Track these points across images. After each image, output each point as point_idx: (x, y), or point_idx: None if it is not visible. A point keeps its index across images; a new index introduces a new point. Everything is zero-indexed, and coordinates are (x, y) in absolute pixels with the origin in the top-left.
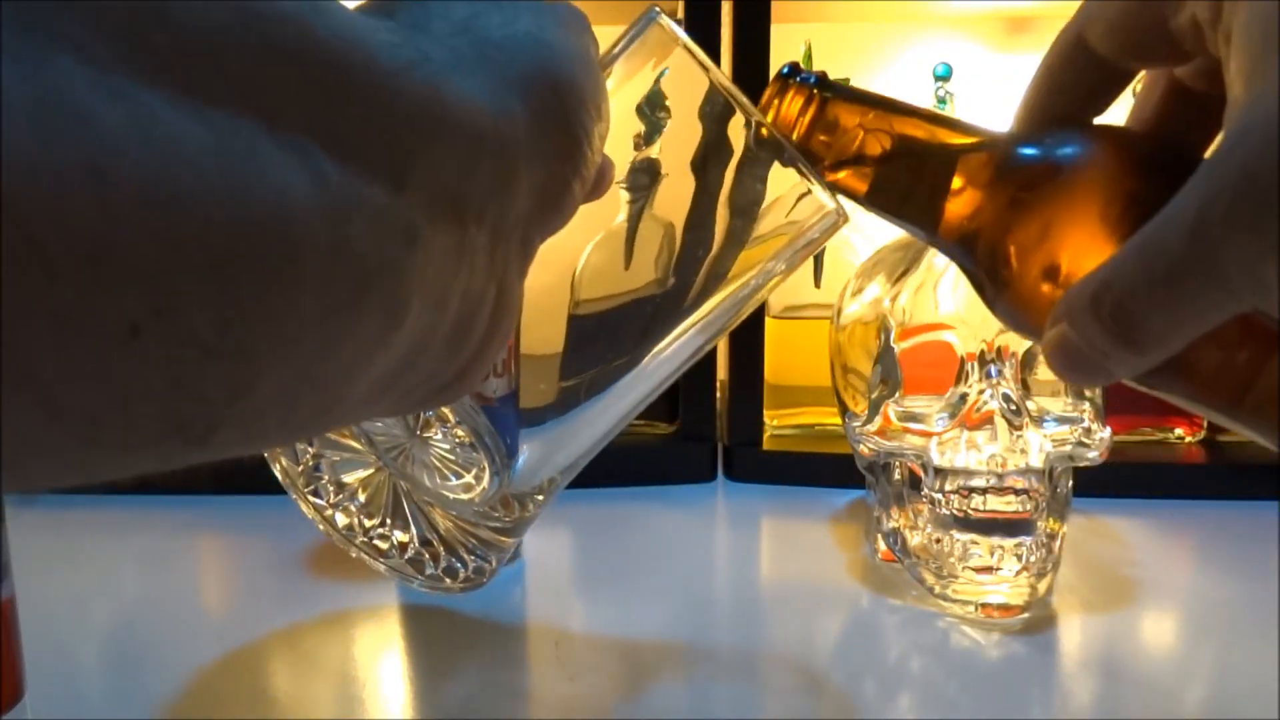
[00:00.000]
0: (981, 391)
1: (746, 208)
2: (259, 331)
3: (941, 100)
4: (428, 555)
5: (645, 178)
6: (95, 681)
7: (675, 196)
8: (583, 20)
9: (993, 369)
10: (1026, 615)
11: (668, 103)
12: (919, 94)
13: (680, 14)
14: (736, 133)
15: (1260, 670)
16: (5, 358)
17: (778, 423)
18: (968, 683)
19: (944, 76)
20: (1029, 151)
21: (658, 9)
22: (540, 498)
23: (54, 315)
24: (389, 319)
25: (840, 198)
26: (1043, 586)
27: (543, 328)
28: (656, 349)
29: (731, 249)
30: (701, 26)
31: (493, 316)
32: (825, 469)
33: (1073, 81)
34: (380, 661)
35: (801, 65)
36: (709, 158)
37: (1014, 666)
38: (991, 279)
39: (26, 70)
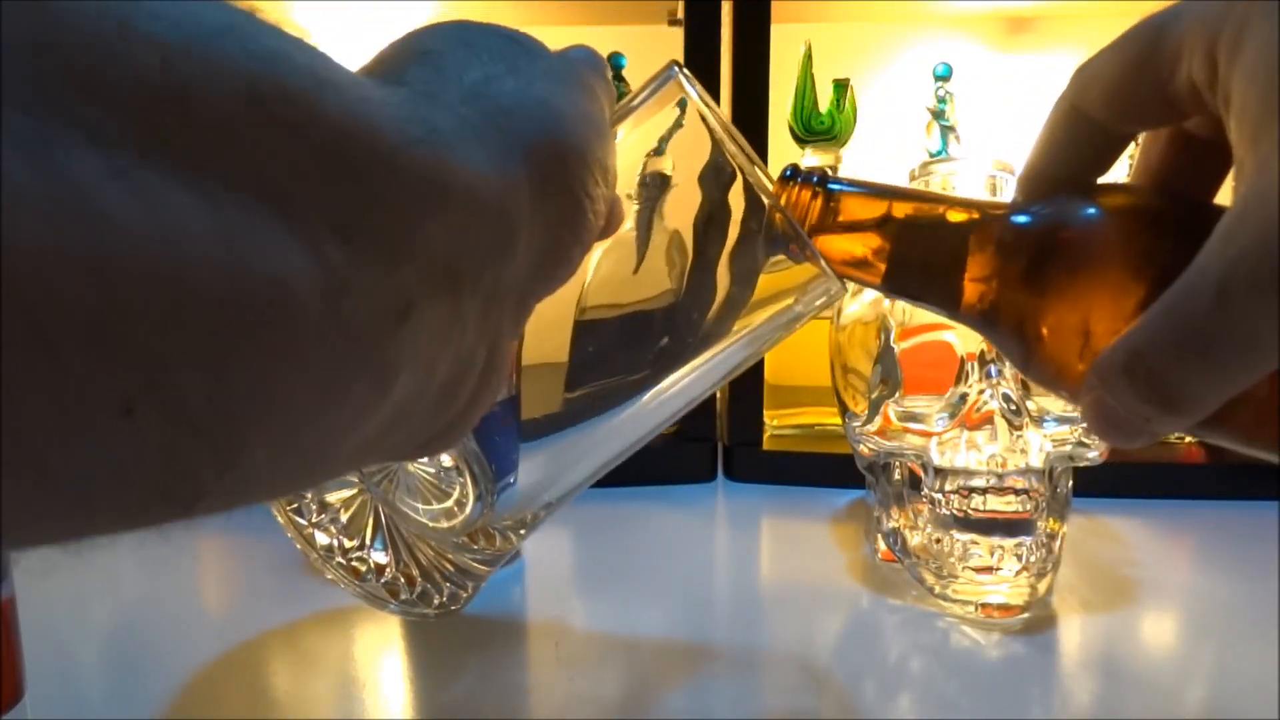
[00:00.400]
0: (981, 391)
1: (747, 275)
2: (249, 405)
3: (941, 100)
4: (403, 580)
5: (654, 189)
6: (95, 681)
7: (684, 204)
8: (598, 68)
9: (993, 369)
10: (1026, 615)
11: (671, 172)
12: (919, 94)
13: (680, 14)
14: (739, 198)
15: (1260, 670)
16: (4, 432)
17: (778, 423)
18: (968, 683)
19: (944, 76)
20: (1038, 221)
21: (677, 66)
22: (522, 531)
23: (53, 392)
24: (377, 389)
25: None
26: (1043, 586)
27: (548, 336)
28: (665, 374)
29: (732, 310)
30: (701, 26)
31: (482, 376)
32: (825, 469)
33: (1073, 147)
34: (380, 661)
35: (800, 167)
36: (711, 221)
37: (1014, 666)
38: (1019, 349)
39: (38, 158)
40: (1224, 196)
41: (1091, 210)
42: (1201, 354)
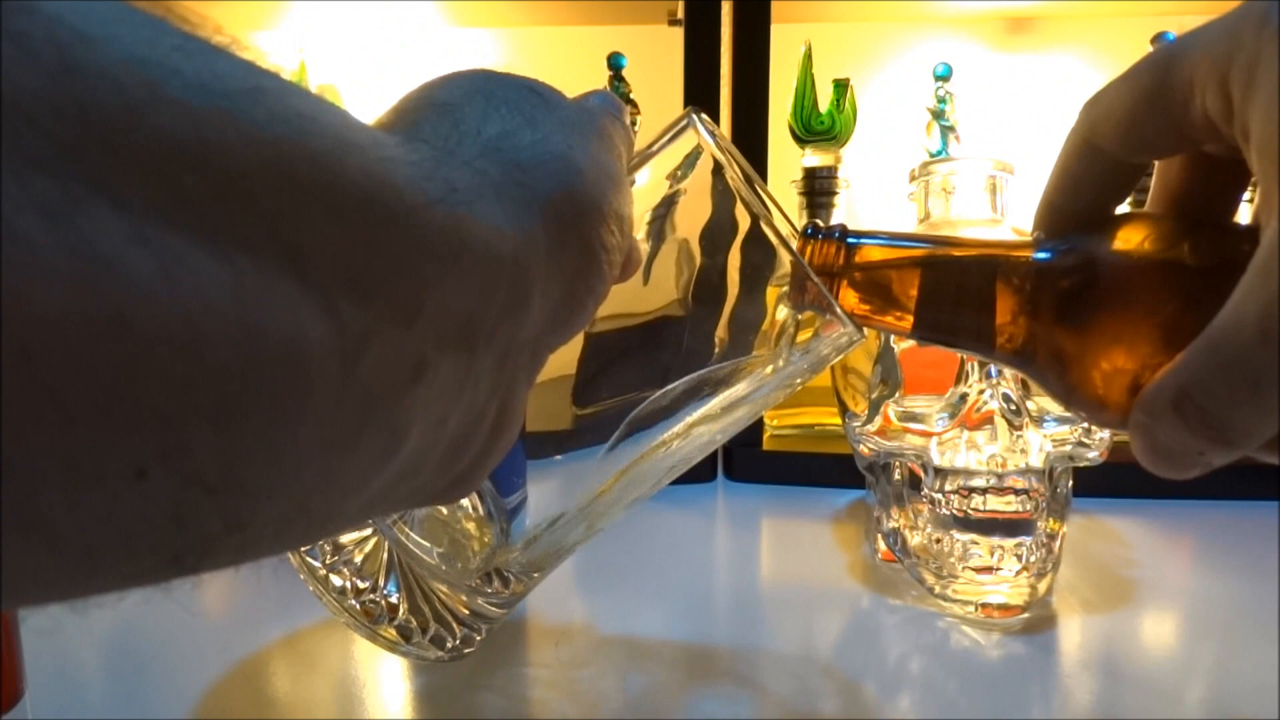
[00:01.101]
0: (981, 391)
1: (759, 324)
2: (260, 468)
3: (941, 100)
4: (416, 623)
5: (663, 206)
6: (95, 681)
7: (694, 215)
8: (617, 114)
9: (993, 369)
10: (1026, 615)
11: (680, 217)
12: (919, 94)
13: (680, 14)
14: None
15: (1260, 670)
16: (11, 496)
17: (778, 423)
18: (968, 683)
19: (944, 76)
20: (1064, 257)
21: (695, 114)
22: (536, 575)
23: (64, 457)
24: (389, 447)
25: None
26: (1043, 586)
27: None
28: (676, 412)
29: (745, 356)
30: (701, 26)
31: (492, 431)
32: (825, 469)
33: (1089, 180)
34: (380, 661)
35: (820, 225)
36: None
37: (1014, 666)
38: (1058, 385)
39: (61, 221)
40: (1242, 213)
41: (1118, 241)
42: (1251, 389)
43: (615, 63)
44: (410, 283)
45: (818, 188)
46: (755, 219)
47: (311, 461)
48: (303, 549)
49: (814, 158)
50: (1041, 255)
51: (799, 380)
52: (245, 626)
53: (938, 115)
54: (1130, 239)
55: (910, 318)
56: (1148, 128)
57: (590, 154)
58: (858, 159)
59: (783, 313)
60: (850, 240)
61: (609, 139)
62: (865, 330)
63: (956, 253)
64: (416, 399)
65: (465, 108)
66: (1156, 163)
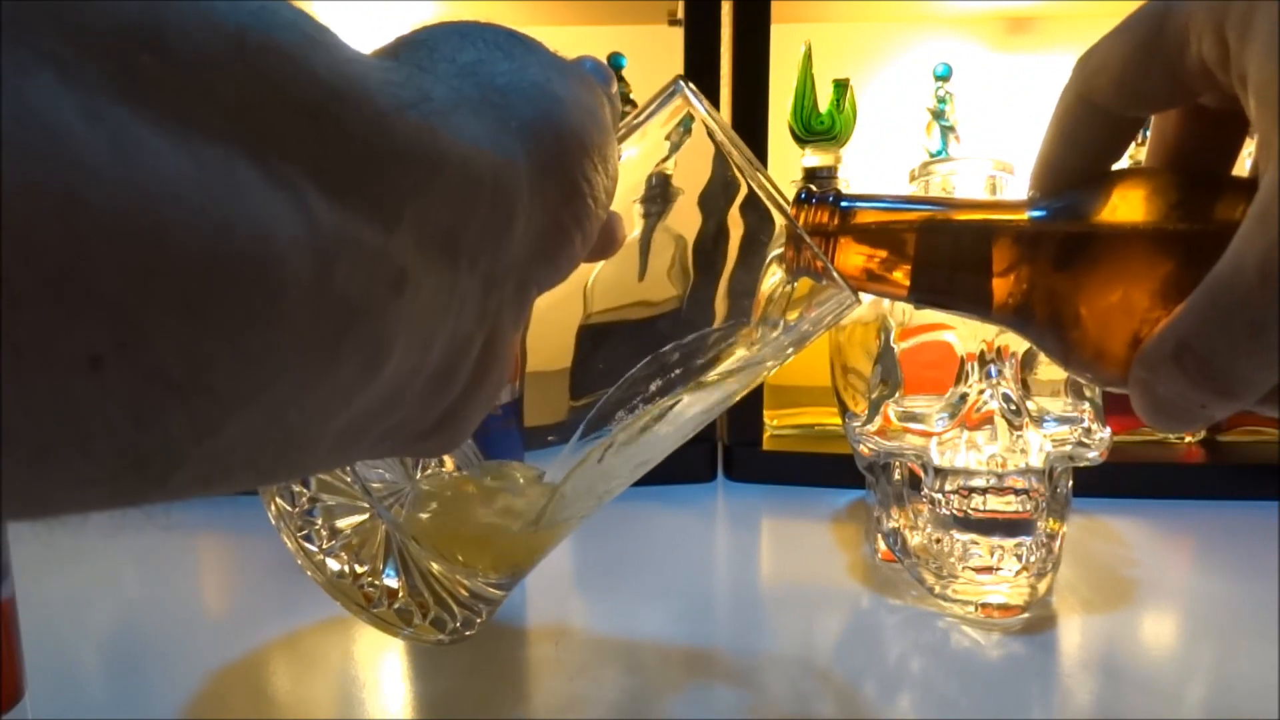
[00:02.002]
0: (981, 391)
1: (753, 291)
2: (230, 371)
3: (941, 100)
4: (416, 606)
5: (659, 195)
6: (95, 681)
7: (689, 212)
8: (602, 75)
9: (993, 369)
10: (1026, 615)
11: (675, 185)
12: (919, 94)
13: (680, 14)
14: (748, 214)
15: (1260, 670)
16: None
17: (778, 423)
18: (968, 683)
19: (944, 76)
20: (1061, 214)
21: (683, 81)
22: (535, 555)
23: (12, 342)
24: (369, 363)
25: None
26: (1043, 586)
27: (553, 342)
28: (672, 388)
29: (740, 327)
30: (701, 27)
31: (479, 364)
32: (825, 469)
33: (1084, 137)
34: (380, 661)
35: (813, 189)
36: (719, 237)
37: (1014, 666)
38: (1057, 344)
39: (4, 87)
40: (1239, 167)
41: (1115, 197)
42: (1252, 338)
43: (615, 63)
44: (385, 186)
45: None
46: (749, 184)
47: (286, 370)
48: (299, 534)
49: (814, 158)
50: (1037, 213)
51: (790, 349)
52: (245, 626)
53: (938, 115)
54: (1128, 194)
55: (907, 281)
56: (1143, 79)
57: (568, 89)
58: (858, 159)
59: (776, 278)
60: (844, 204)
61: (590, 86)
62: (860, 295)
63: (953, 214)
64: (399, 314)
65: (439, 40)
66: (1153, 118)
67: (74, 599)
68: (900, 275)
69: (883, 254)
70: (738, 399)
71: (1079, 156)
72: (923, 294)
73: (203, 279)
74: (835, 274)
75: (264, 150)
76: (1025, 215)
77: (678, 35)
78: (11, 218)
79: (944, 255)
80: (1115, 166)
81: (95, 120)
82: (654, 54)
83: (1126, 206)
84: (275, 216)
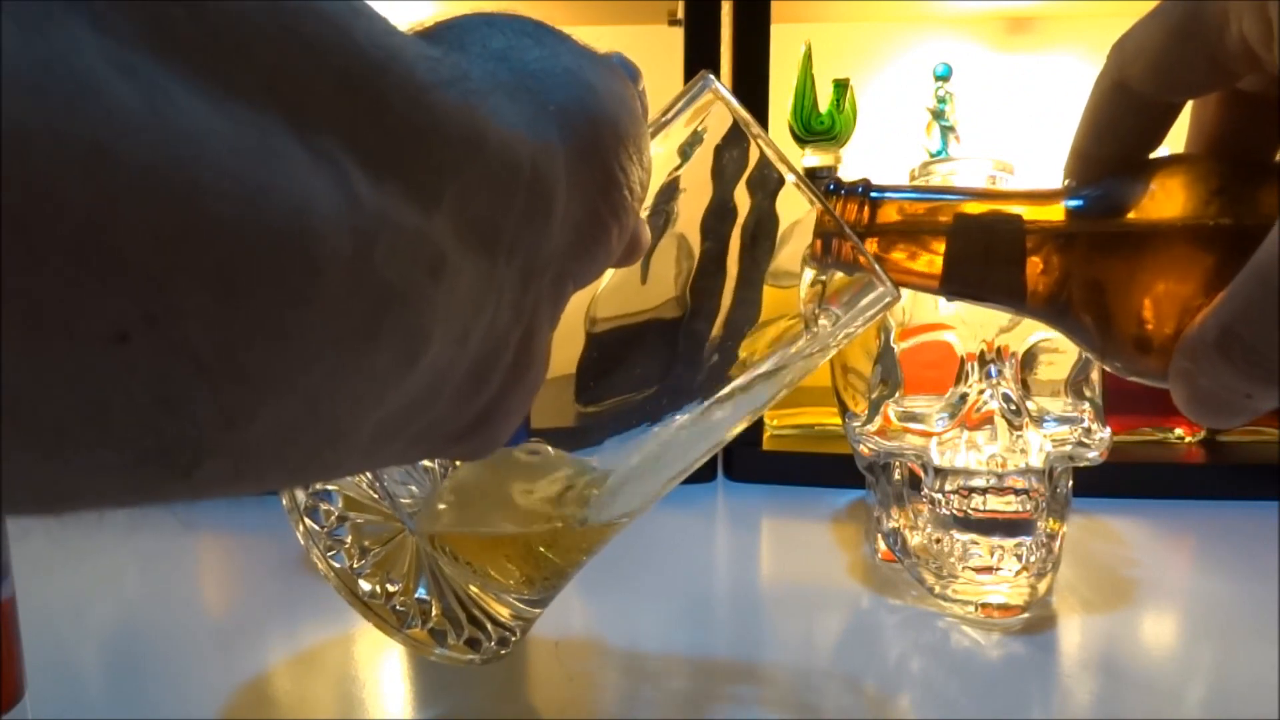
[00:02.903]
0: (981, 391)
1: (790, 288)
2: (264, 353)
3: (941, 100)
4: (449, 626)
5: (665, 195)
6: (95, 681)
7: (695, 213)
8: (631, 71)
9: (993, 369)
10: (1026, 615)
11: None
12: (919, 94)
13: (680, 14)
14: (784, 205)
15: (1260, 670)
16: None
17: (778, 423)
18: (968, 683)
19: (944, 76)
20: (1098, 203)
21: (712, 76)
22: (584, 557)
23: (30, 308)
24: (406, 352)
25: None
26: (1043, 586)
27: (559, 348)
28: (706, 393)
29: (772, 327)
30: (701, 27)
31: (516, 361)
32: (825, 469)
33: (1121, 125)
34: (380, 661)
35: (842, 180)
36: (758, 231)
37: (1014, 666)
38: (1094, 337)
39: (34, 32)
40: None
41: (1153, 185)
42: None
43: None
44: (427, 167)
45: None
46: (786, 177)
47: (322, 355)
48: (329, 554)
49: (814, 158)
50: (1073, 203)
51: (832, 346)
52: (246, 626)
53: (938, 115)
54: (1166, 182)
55: (939, 272)
56: (1181, 62)
57: (601, 76)
58: (858, 159)
59: (808, 276)
60: (874, 195)
61: (620, 76)
62: (900, 290)
63: (985, 205)
64: (436, 301)
65: (468, 27)
66: (1191, 105)
67: (74, 599)
68: (931, 266)
69: (914, 244)
70: (768, 407)
71: (1115, 145)
72: (955, 286)
73: (238, 248)
74: (878, 268)
75: (303, 118)
76: (1060, 205)
77: (678, 35)
78: (35, 168)
79: (977, 247)
80: (1152, 156)
81: (128, 72)
82: (654, 54)
83: (1165, 194)
84: (314, 189)
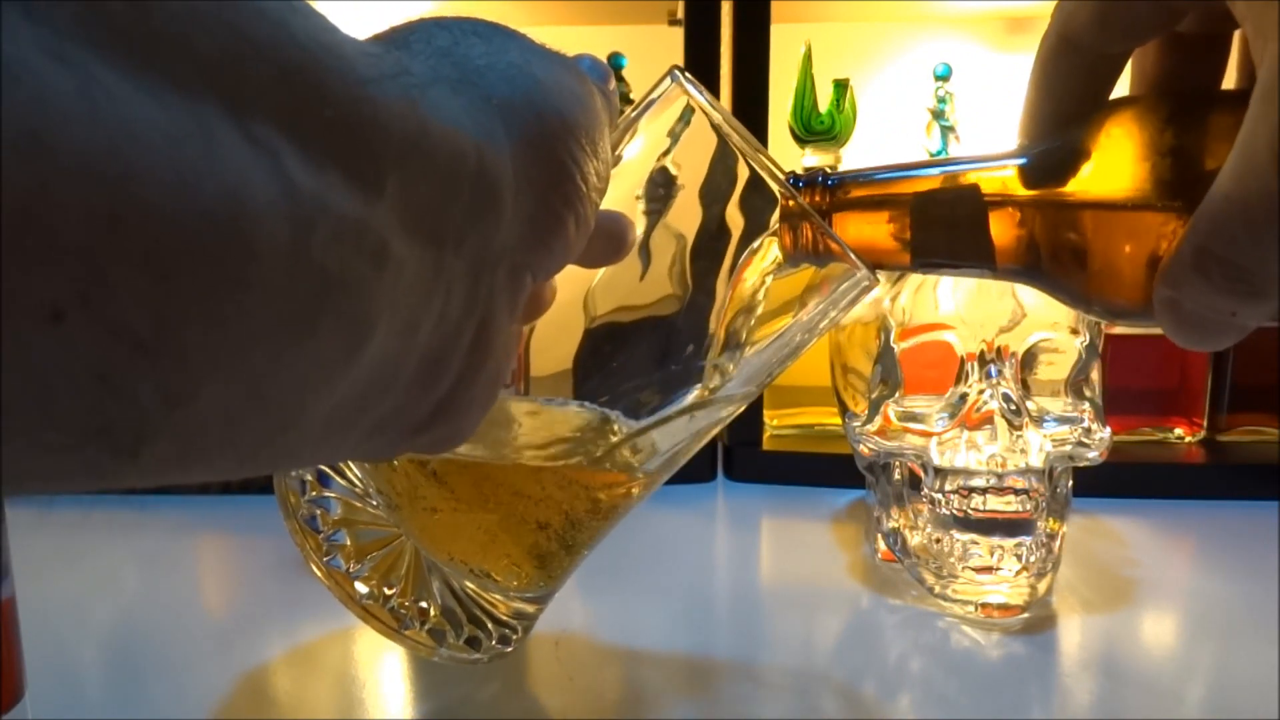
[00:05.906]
0: (981, 391)
1: (763, 279)
2: (202, 334)
3: (941, 100)
4: (449, 626)
5: (660, 189)
6: (95, 681)
7: (690, 209)
8: (599, 73)
9: (993, 369)
10: (1026, 615)
11: (677, 177)
12: (919, 94)
13: (680, 14)
14: (750, 203)
15: (1260, 670)
16: None
17: (778, 423)
18: (968, 683)
19: (944, 76)
20: (1054, 154)
21: (679, 70)
22: (584, 550)
23: None
24: (350, 339)
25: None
26: (1043, 586)
27: (557, 346)
28: (682, 387)
29: (749, 318)
30: (701, 26)
31: (472, 351)
32: (825, 469)
33: (1068, 80)
34: (380, 661)
35: (799, 173)
36: (721, 225)
37: (1014, 666)
38: (1070, 287)
39: None
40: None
41: (1106, 126)
42: (1274, 222)
43: (615, 63)
44: (365, 156)
45: None
46: (750, 165)
47: (262, 338)
48: (325, 559)
49: (814, 158)
50: (1028, 160)
51: (808, 338)
52: (245, 626)
53: (938, 115)
54: (1118, 120)
55: (908, 250)
56: (1125, 7)
57: (551, 72)
58: (858, 159)
59: (787, 266)
60: (832, 181)
61: (577, 73)
62: (876, 273)
63: (942, 177)
64: (379, 289)
65: (414, 29)
66: (1132, 57)
67: (74, 599)
68: (900, 245)
69: (880, 226)
70: (749, 401)
71: (1063, 101)
72: (925, 259)
73: (171, 233)
74: (849, 251)
75: (240, 108)
76: (1016, 164)
77: (678, 35)
78: None
79: (939, 218)
80: None
81: (62, 62)
82: (654, 54)
83: (1119, 131)
84: (250, 177)
